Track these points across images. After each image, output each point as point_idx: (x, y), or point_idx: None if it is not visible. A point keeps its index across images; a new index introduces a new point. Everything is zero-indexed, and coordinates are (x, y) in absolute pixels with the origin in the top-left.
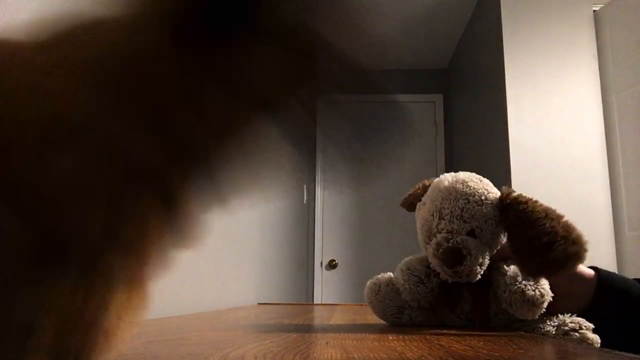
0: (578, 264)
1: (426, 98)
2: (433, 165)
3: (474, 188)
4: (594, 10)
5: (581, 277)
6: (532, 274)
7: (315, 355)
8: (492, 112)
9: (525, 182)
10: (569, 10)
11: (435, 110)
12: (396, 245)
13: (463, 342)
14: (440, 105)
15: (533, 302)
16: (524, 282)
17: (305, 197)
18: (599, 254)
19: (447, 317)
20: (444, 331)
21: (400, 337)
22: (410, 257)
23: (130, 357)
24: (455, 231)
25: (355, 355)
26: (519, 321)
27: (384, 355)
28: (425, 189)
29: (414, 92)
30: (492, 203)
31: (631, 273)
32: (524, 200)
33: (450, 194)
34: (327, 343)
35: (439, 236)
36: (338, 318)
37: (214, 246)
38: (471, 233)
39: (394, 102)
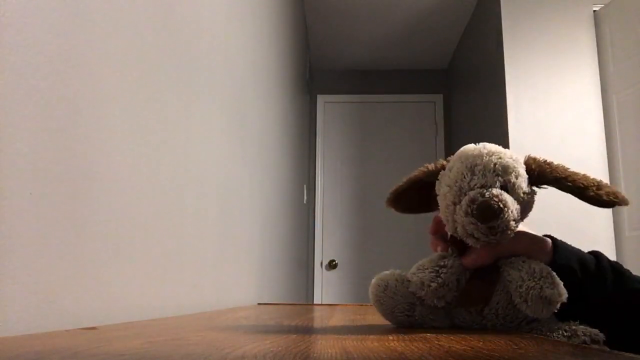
0: (625, 201)
1: (426, 98)
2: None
3: (502, 149)
4: (594, 10)
5: (541, 240)
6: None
7: (315, 355)
8: (492, 112)
9: None
10: (569, 10)
11: (435, 110)
12: (396, 245)
13: (463, 342)
14: (440, 105)
15: (550, 301)
16: (542, 279)
17: (305, 197)
18: None
19: (460, 316)
20: (444, 331)
21: (400, 337)
22: (422, 259)
23: (130, 357)
24: (488, 185)
25: (355, 355)
26: (527, 323)
27: (384, 355)
28: (429, 173)
29: (414, 92)
30: (521, 163)
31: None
32: (547, 162)
33: (481, 152)
34: (326, 343)
35: (471, 193)
36: (338, 318)
37: (214, 246)
38: (504, 188)
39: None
